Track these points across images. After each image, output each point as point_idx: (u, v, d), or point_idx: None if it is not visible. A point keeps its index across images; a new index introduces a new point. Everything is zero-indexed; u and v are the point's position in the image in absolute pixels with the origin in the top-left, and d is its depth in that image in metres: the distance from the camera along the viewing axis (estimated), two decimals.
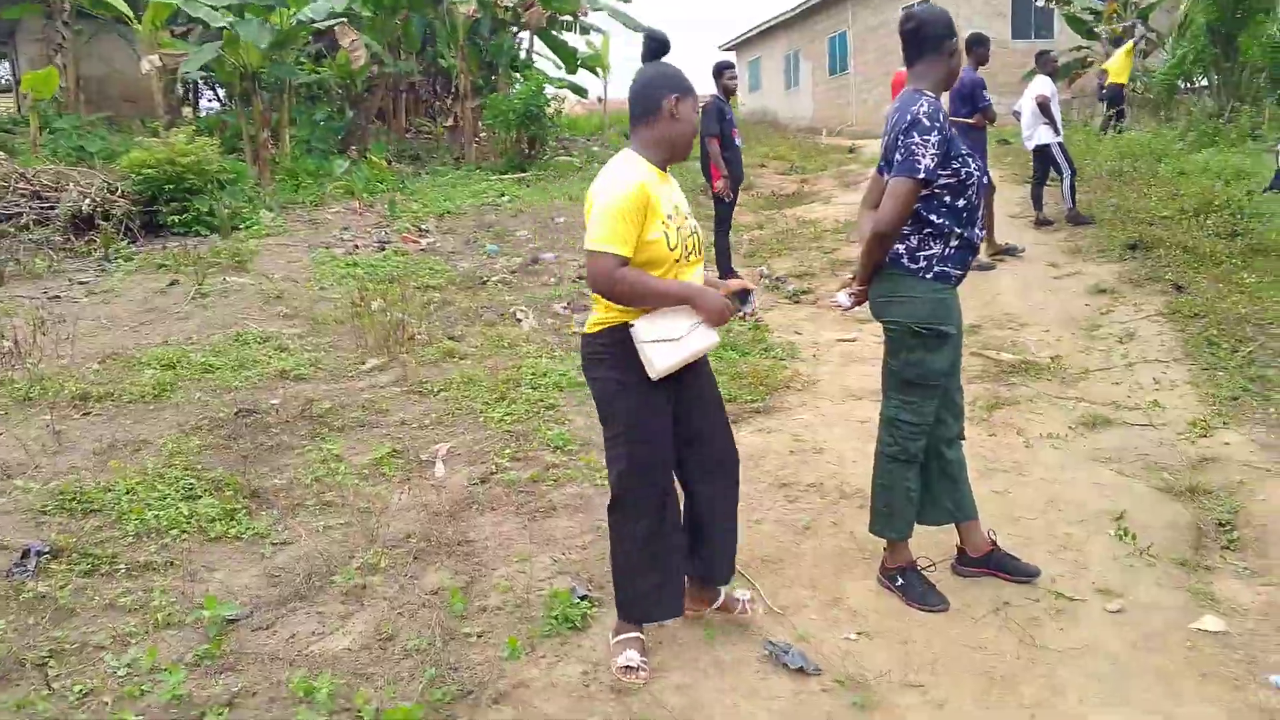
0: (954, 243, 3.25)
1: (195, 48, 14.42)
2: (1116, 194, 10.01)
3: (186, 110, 20.31)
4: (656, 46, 2.95)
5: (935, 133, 3.10)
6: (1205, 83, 16.95)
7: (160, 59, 13.44)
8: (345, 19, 15.09)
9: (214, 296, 8.24)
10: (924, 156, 3.09)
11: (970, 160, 3.23)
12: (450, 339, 6.91)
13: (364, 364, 6.39)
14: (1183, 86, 16.89)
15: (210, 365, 6.24)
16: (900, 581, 3.38)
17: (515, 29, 19.64)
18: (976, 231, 3.30)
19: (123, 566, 3.69)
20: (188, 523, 4.06)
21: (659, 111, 2.84)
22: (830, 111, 27.04)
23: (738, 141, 8.47)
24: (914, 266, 3.25)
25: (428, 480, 4.62)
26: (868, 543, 3.62)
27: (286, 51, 15.13)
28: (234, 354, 6.44)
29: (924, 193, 3.17)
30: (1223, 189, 9.26)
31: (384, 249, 9.88)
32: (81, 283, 8.82)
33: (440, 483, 4.58)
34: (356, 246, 10.07)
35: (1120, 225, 8.85)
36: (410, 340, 6.78)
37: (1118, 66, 14.96)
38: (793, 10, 28.26)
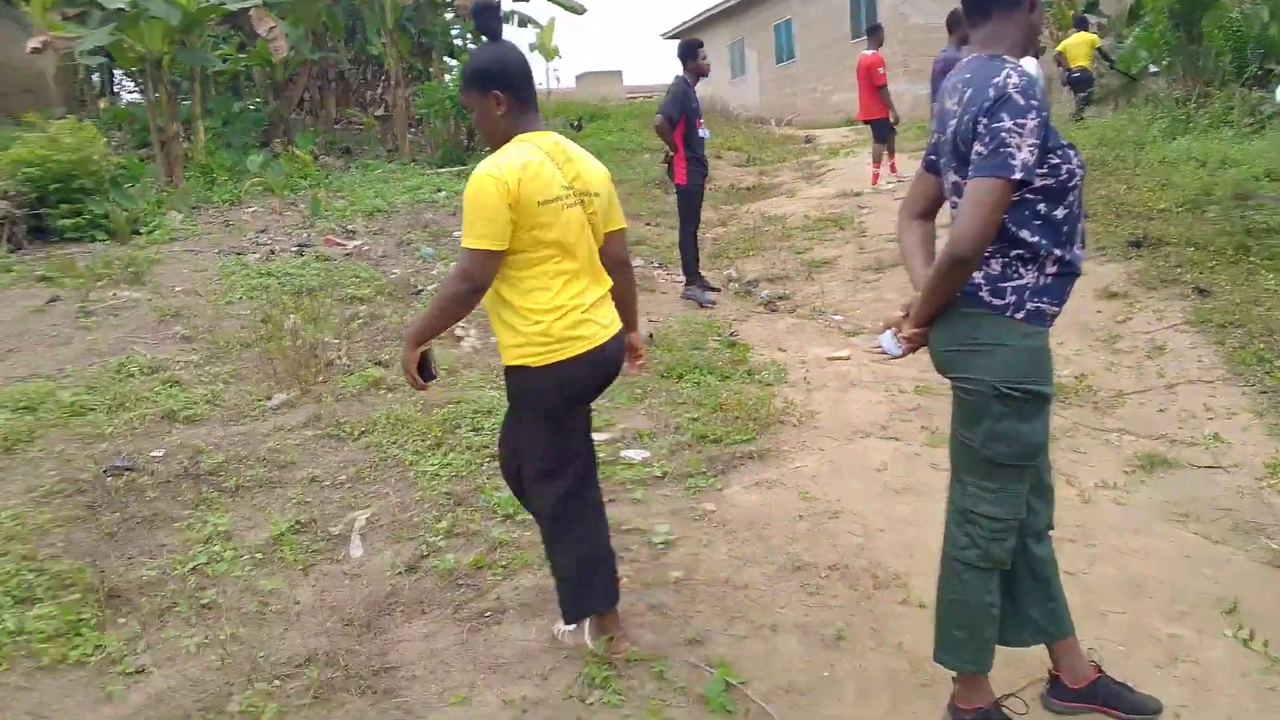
0: (1050, 268, 2.35)
1: (90, 31, 13.06)
2: (1104, 185, 9.28)
3: (103, 103, 18.80)
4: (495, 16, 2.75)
5: (1033, 114, 2.19)
6: (1158, 68, 16.46)
7: (49, 42, 12.08)
8: (261, 3, 13.82)
9: (100, 315, 7.07)
10: (1019, 148, 2.17)
11: (1072, 154, 2.33)
12: (376, 364, 5.88)
13: (269, 400, 5.34)
14: (1150, 71, 16.35)
15: (81, 406, 5.14)
16: None
17: (450, 13, 18.48)
18: (1078, 251, 2.40)
19: None
20: (14, 643, 3.02)
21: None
22: (778, 100, 26.29)
23: (702, 132, 7.55)
24: (998, 303, 2.34)
25: (339, 565, 3.62)
26: (924, 660, 2.72)
27: (195, 37, 13.82)
28: (113, 390, 5.34)
29: (1013, 198, 2.26)
30: (1221, 177, 8.57)
31: (304, 253, 8.76)
32: None
33: (356, 567, 3.59)
34: (273, 252, 8.93)
35: (1116, 219, 8.11)
36: (327, 368, 5.74)
37: (1076, 51, 14.32)
38: None
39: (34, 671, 2.94)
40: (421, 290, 7.61)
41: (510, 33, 18.80)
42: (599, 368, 2.72)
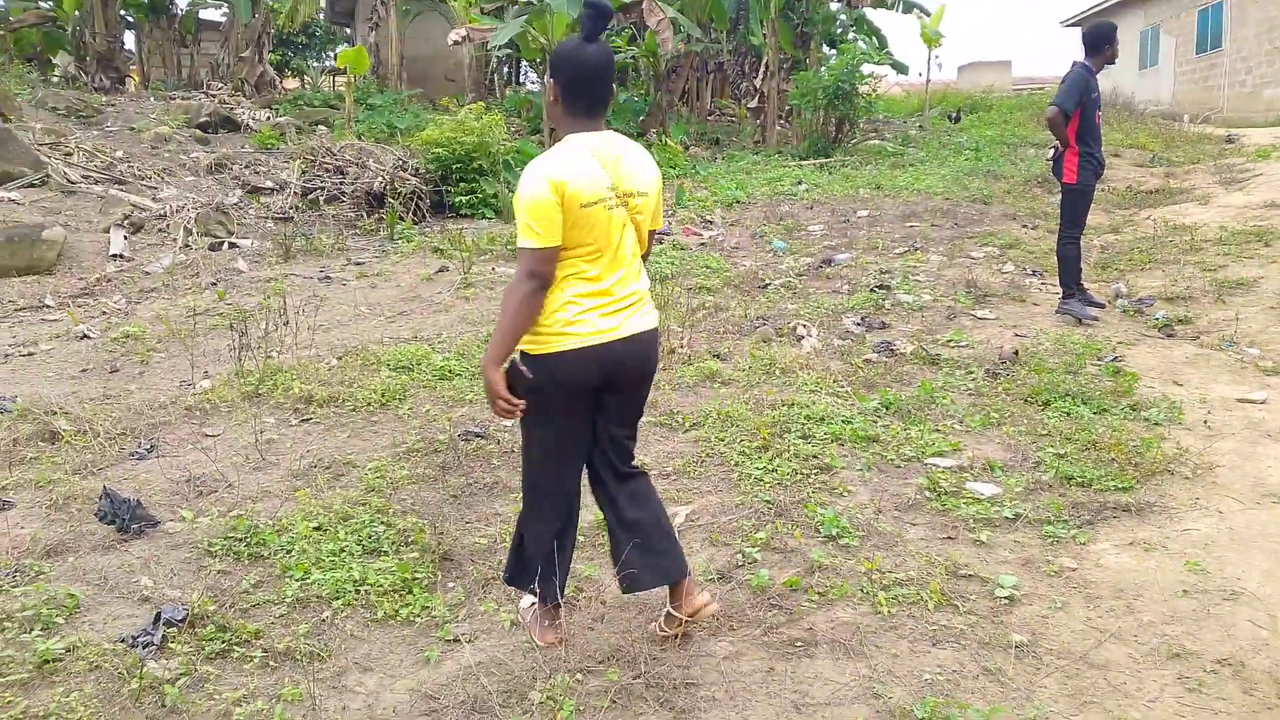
0: None
1: (503, 24, 14.34)
2: None
3: (509, 91, 20.77)
4: (601, 18, 2.66)
5: None
6: None
7: (467, 33, 13.42)
8: None
9: (479, 287, 7.70)
10: None
11: None
12: (715, 356, 5.81)
13: None
14: None
15: (449, 371, 5.56)
16: None
17: (835, 1, 18.20)
18: None
19: (259, 653, 2.91)
20: (356, 592, 3.25)
21: None
22: (1195, 95, 23.12)
23: (1099, 123, 6.66)
24: None
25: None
26: None
27: None
28: (478, 358, 5.73)
29: None
30: None
31: (661, 241, 8.97)
32: (357, 263, 8.65)
33: None
34: None
35: None
36: (669, 355, 5.75)
37: None
38: None
39: (369, 623, 3.13)
40: (769, 284, 7.47)
41: (892, 20, 18.20)
42: (599, 365, 2.69)
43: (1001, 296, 7.08)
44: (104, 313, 7.11)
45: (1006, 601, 3.15)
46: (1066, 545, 3.53)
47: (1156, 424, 4.64)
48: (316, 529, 3.64)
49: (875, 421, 4.70)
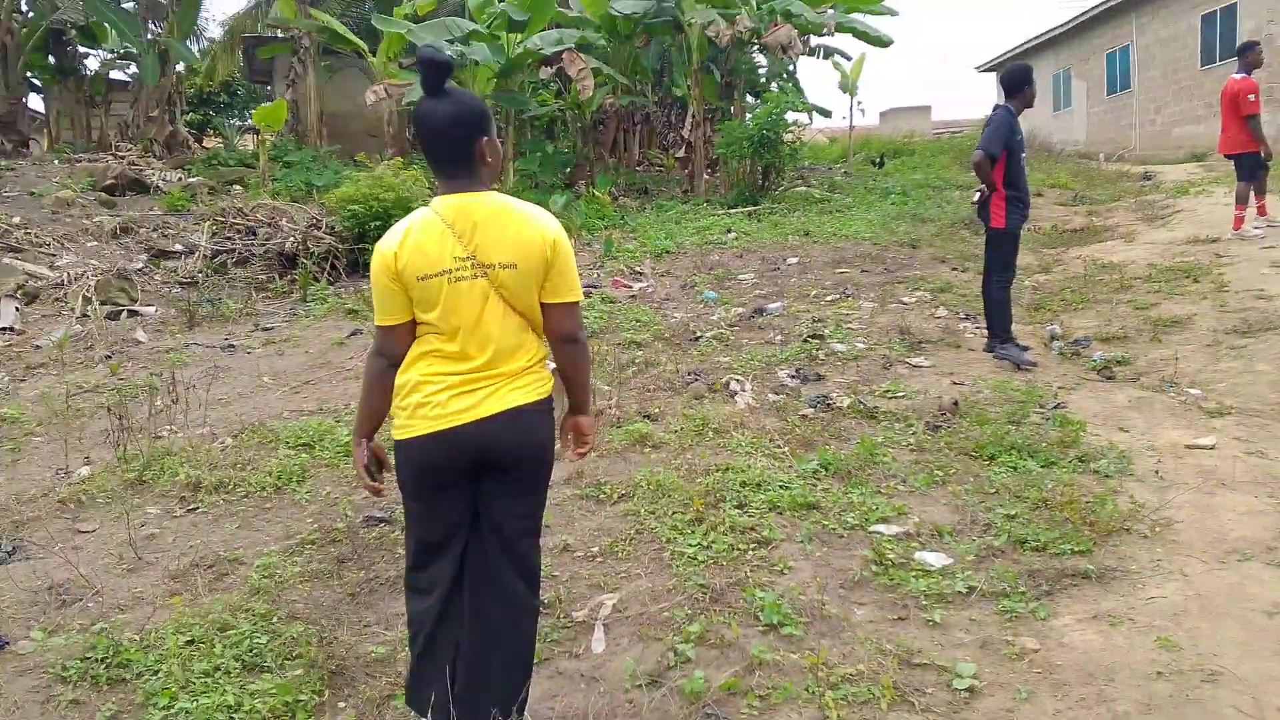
0: None
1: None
2: None
3: None
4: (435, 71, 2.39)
5: None
6: None
7: (386, 90, 13.10)
8: (573, 47, 14.27)
9: None
10: None
11: None
12: (645, 417, 5.47)
13: None
14: None
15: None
16: None
17: (756, 51, 18.29)
18: None
19: None
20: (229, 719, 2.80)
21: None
22: (1109, 134, 23.80)
23: (1023, 165, 6.56)
24: None
25: (578, 661, 3.15)
26: None
27: (514, 81, 14.51)
28: (388, 432, 5.29)
29: None
30: None
31: (590, 295, 8.66)
32: (265, 329, 8.17)
33: (594, 668, 3.10)
34: None
35: None
36: (597, 416, 5.40)
37: None
38: (1064, 25, 25.38)
39: None
40: (700, 336, 7.19)
41: (813, 66, 18.40)
42: (456, 451, 2.41)
43: (936, 343, 6.89)
44: None
45: (966, 694, 2.83)
46: (1026, 622, 3.23)
47: (1108, 476, 4.41)
48: (189, 643, 3.18)
49: (815, 485, 4.39)
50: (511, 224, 2.40)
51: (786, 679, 2.90)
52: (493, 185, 2.51)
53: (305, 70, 18.04)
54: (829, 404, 5.54)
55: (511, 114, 14.68)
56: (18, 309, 8.79)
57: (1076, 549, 3.67)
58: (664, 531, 3.98)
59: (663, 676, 2.99)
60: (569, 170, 16.30)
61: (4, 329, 8.33)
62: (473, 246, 2.37)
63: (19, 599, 3.59)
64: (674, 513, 4.14)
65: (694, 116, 16.09)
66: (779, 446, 4.87)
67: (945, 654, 3.03)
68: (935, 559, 3.66)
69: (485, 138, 2.43)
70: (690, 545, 3.82)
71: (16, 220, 11.28)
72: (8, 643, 3.23)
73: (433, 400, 2.38)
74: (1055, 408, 5.37)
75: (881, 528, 3.95)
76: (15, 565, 3.90)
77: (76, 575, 3.76)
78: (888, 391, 5.79)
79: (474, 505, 2.50)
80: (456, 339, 2.40)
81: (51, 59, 18.57)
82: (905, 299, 8.21)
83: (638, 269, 10.00)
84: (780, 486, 4.31)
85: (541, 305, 2.48)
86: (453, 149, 2.40)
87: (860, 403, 5.50)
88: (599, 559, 3.87)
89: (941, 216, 12.39)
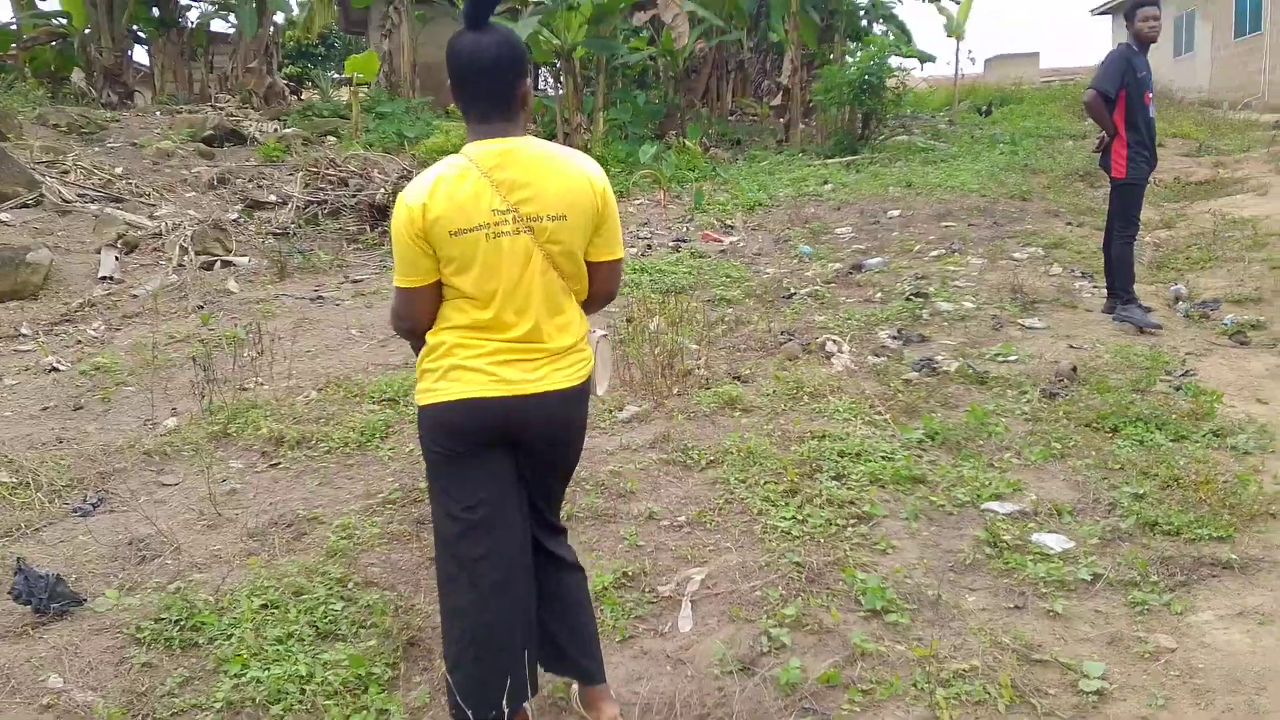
0: None
1: (517, 24, 13.83)
2: None
3: None
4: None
5: None
6: None
7: None
8: None
9: None
10: None
11: None
12: (735, 378, 5.22)
13: (621, 410, 4.87)
14: None
15: None
16: None
17: None
18: None
19: None
20: (300, 693, 2.69)
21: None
22: (1234, 80, 22.17)
23: (1152, 110, 6.01)
24: None
25: (663, 640, 2.95)
26: None
27: (605, 26, 14.17)
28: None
29: None
30: None
31: (679, 249, 8.39)
32: (355, 281, 8.14)
33: (681, 648, 2.90)
34: (650, 246, 8.68)
35: None
36: (684, 378, 5.18)
37: None
38: None
39: None
40: (794, 294, 6.87)
41: (915, 10, 17.51)
42: (494, 422, 2.19)
43: (1050, 303, 6.44)
44: (79, 342, 6.64)
45: (1095, 697, 2.54)
46: (1160, 616, 2.91)
47: (1247, 453, 4.00)
48: (263, 607, 3.09)
49: (920, 456, 4.09)
50: (557, 171, 2.16)
51: (892, 672, 2.65)
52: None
53: (399, 20, 17.99)
54: (934, 368, 5.19)
55: (603, 62, 14.35)
56: (118, 258, 8.95)
57: (1215, 535, 3.31)
58: (755, 502, 3.75)
59: (755, 663, 2.77)
60: (659, 121, 15.94)
61: (104, 278, 8.49)
62: (515, 198, 2.11)
63: (100, 553, 3.56)
64: (766, 482, 3.90)
65: (791, 61, 15.51)
66: (880, 413, 4.56)
67: (1069, 650, 2.74)
68: (1055, 541, 3.34)
69: (525, 79, 2.20)
70: (784, 519, 3.58)
71: (119, 171, 11.50)
72: (83, 600, 3.18)
73: (468, 365, 2.16)
74: (1184, 375, 4.93)
75: (994, 505, 3.64)
76: (99, 518, 3.88)
77: (160, 529, 3.73)
78: (998, 355, 5.41)
79: (513, 477, 2.30)
80: (492, 305, 2.15)
81: (155, 11, 18.89)
82: (1016, 255, 7.73)
83: (729, 222, 9.67)
84: (882, 457, 4.02)
85: (587, 263, 2.26)
86: (494, 88, 2.14)
87: (969, 367, 5.14)
88: (686, 529, 3.65)
89: (1054, 167, 11.71)
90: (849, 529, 3.48)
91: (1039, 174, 11.36)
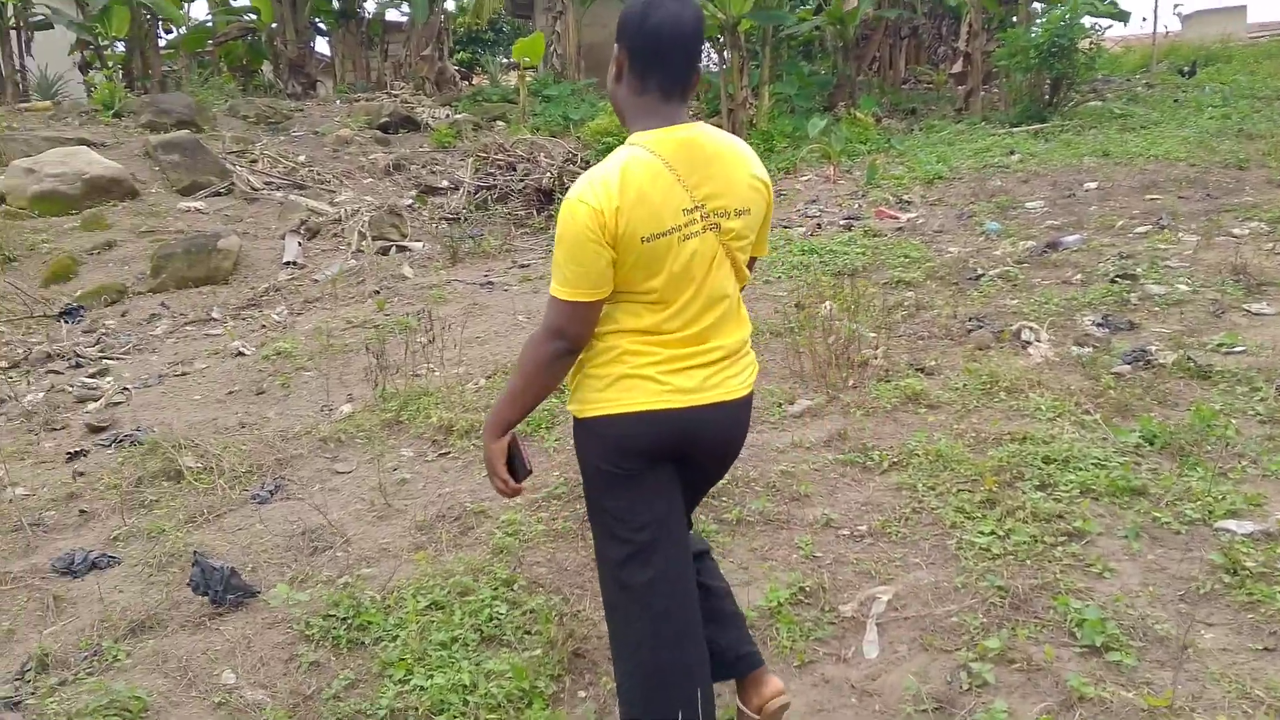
0: None
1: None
2: None
3: None
4: None
5: None
6: None
7: None
8: None
9: None
10: None
11: None
12: (918, 370, 4.84)
13: (792, 404, 4.59)
14: None
15: None
16: None
17: None
18: None
19: None
20: (463, 704, 2.59)
21: None
22: None
23: None
24: None
25: (847, 668, 2.69)
26: None
27: None
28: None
29: None
30: None
31: (851, 228, 7.97)
32: (522, 265, 8.16)
33: (867, 678, 2.63)
34: (820, 225, 8.29)
35: None
36: (860, 369, 4.84)
37: None
38: None
39: None
40: (982, 275, 6.36)
41: None
42: (670, 436, 1.99)
43: None
44: (263, 326, 6.91)
45: None
46: None
47: None
48: (428, 607, 3.02)
49: (1138, 464, 3.63)
50: (735, 162, 1.97)
51: None
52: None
53: (565, 2, 18.07)
54: (1148, 360, 4.65)
55: (769, 33, 13.91)
56: (301, 244, 9.32)
57: None
58: (947, 513, 3.41)
59: (954, 702, 2.47)
60: (829, 93, 15.34)
61: (288, 263, 8.85)
62: (702, 193, 1.91)
63: (274, 543, 3.60)
64: (959, 490, 3.55)
65: (970, 25, 14.59)
66: (1088, 412, 4.10)
67: None
68: None
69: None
70: (982, 533, 3.23)
71: (302, 158, 12.02)
72: (257, 592, 3.21)
73: (639, 374, 1.96)
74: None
75: (1231, 524, 3.17)
76: (274, 507, 3.94)
77: (331, 519, 3.74)
78: (1222, 345, 4.79)
79: (678, 493, 2.11)
80: (672, 308, 1.95)
81: (335, 3, 19.72)
82: (1236, 231, 6.90)
83: (905, 197, 9.13)
84: (1094, 464, 3.59)
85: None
86: (688, 61, 1.93)
87: (1189, 359, 4.56)
88: (868, 540, 3.36)
89: (1275, 131, 10.48)
90: (1058, 548, 3.10)
91: (1257, 139, 10.19)
